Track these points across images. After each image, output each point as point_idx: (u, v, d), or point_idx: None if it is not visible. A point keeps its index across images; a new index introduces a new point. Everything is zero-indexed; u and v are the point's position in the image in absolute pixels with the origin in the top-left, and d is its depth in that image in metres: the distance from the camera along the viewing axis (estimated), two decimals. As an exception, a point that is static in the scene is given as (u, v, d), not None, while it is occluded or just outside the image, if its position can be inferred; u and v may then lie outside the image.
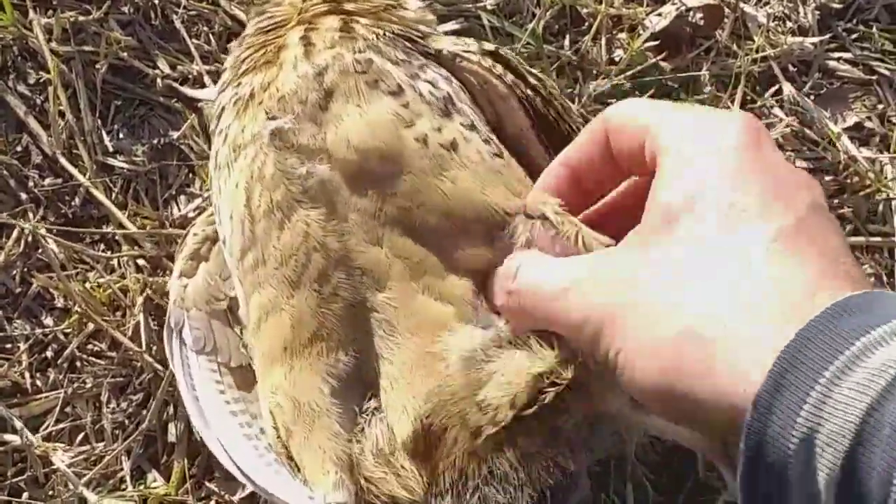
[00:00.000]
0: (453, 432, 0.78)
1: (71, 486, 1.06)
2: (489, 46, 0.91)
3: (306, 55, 0.85)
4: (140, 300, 1.10)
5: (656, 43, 1.23)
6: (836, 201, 1.22)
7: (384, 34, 0.88)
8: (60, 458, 1.06)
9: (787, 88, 1.26)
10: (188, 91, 1.16)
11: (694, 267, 0.62)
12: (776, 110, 1.26)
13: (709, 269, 0.61)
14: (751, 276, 0.59)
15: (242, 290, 0.86)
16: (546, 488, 0.77)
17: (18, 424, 1.07)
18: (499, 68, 0.89)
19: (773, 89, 1.27)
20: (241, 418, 0.90)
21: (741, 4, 1.28)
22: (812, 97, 1.27)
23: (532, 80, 0.91)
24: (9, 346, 1.12)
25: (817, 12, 1.31)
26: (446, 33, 0.98)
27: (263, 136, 0.82)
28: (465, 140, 0.82)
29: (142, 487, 1.07)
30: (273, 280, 0.81)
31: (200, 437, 1.03)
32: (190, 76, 1.21)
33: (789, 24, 1.31)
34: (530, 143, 0.90)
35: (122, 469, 1.08)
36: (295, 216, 0.80)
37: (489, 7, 1.24)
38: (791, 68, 1.29)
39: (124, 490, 1.07)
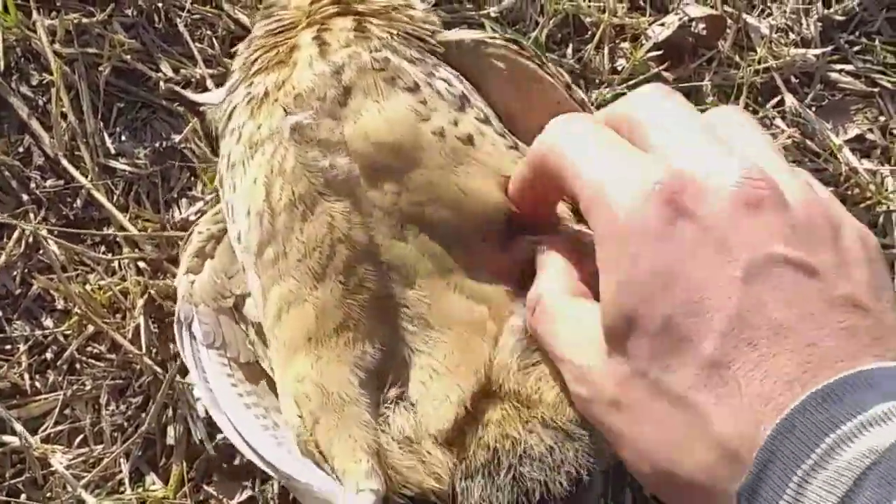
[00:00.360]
0: (494, 414, 0.79)
1: (69, 489, 1.05)
2: (508, 36, 0.94)
3: (321, 54, 0.86)
4: (140, 303, 1.10)
5: (659, 53, 1.24)
6: (836, 212, 1.23)
7: (397, 34, 0.89)
8: (59, 460, 1.06)
9: (790, 100, 1.26)
10: (191, 95, 1.16)
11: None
12: (778, 121, 1.26)
13: None
14: None
15: (260, 283, 0.86)
16: (583, 470, 0.77)
17: (18, 426, 1.06)
18: (527, 52, 0.92)
19: (774, 100, 1.27)
20: (254, 410, 0.91)
21: (744, 15, 1.29)
22: (813, 109, 1.27)
23: (551, 68, 0.94)
24: (8, 347, 1.12)
25: (819, 24, 1.31)
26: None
27: (283, 131, 0.83)
28: (481, 133, 0.83)
29: (140, 490, 1.07)
30: (296, 272, 0.81)
31: (200, 440, 1.04)
32: (193, 80, 1.21)
33: (792, 36, 1.31)
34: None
35: (120, 471, 1.08)
36: (318, 208, 0.81)
37: (493, 14, 1.24)
38: (793, 79, 1.29)
39: (123, 493, 1.07)
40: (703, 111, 1.19)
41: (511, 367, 0.78)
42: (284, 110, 0.84)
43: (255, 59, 0.93)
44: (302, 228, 0.81)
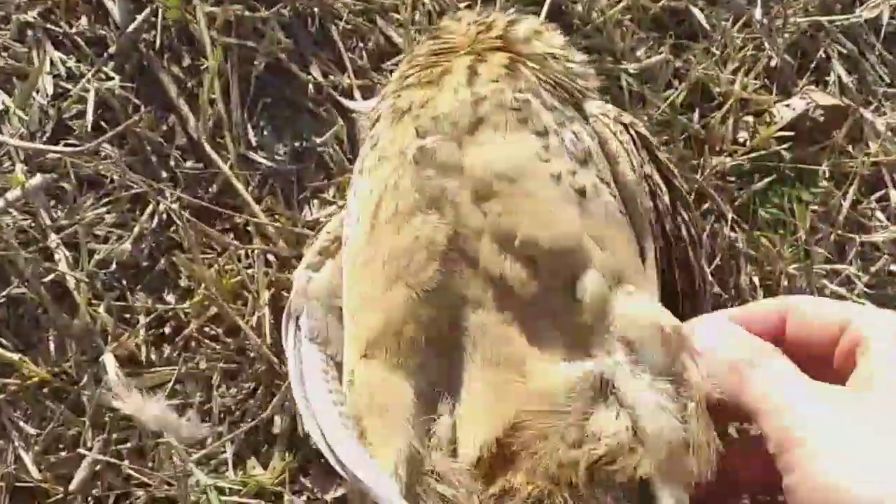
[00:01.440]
0: (528, 461, 0.78)
1: (177, 461, 1.07)
2: (627, 118, 0.94)
3: (469, 83, 0.89)
4: (266, 295, 1.12)
5: (789, 133, 1.29)
6: (925, 311, 1.28)
7: (546, 80, 0.92)
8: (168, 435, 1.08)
9: (895, 196, 1.31)
10: (346, 101, 1.19)
11: None
12: (878, 213, 1.31)
13: None
14: None
15: (347, 284, 0.89)
16: None
17: (135, 395, 1.08)
18: (625, 137, 0.92)
19: (879, 194, 1.32)
20: (340, 408, 0.92)
21: (861, 109, 1.34)
22: (913, 207, 1.33)
23: (661, 156, 0.94)
24: (128, 316, 1.14)
25: (929, 128, 1.37)
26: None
27: (408, 153, 0.85)
28: (596, 190, 0.84)
29: (241, 474, 1.09)
30: (378, 276, 0.83)
31: (304, 431, 1.06)
32: (340, 87, 1.24)
33: (902, 136, 1.36)
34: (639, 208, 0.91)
35: (224, 452, 1.10)
36: (413, 221, 0.83)
37: (631, 71, 1.28)
38: (896, 176, 1.35)
39: (224, 473, 1.09)
40: (814, 195, 1.27)
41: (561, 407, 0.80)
42: (416, 131, 0.87)
43: (411, 75, 0.96)
44: (394, 238, 0.84)
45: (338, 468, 0.82)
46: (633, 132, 0.92)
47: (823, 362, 0.76)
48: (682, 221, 0.93)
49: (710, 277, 0.95)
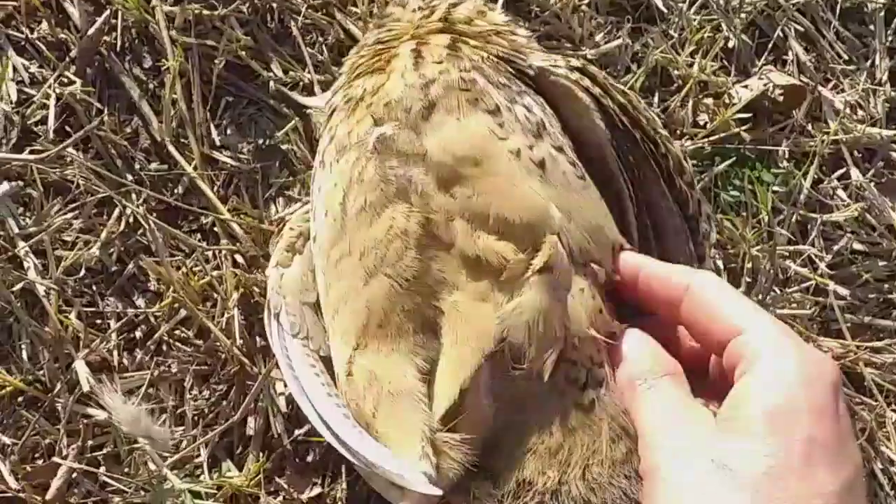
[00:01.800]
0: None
1: (152, 467, 1.08)
2: (576, 62, 0.95)
3: (415, 66, 0.91)
4: (235, 295, 1.13)
5: (746, 115, 1.30)
6: (886, 286, 1.30)
7: (488, 57, 0.93)
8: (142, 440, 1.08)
9: (855, 174, 1.33)
10: (298, 97, 1.19)
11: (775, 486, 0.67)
12: (840, 192, 1.33)
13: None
14: None
15: (324, 280, 0.90)
16: None
17: (108, 400, 1.08)
18: (585, 81, 0.93)
19: (839, 172, 1.34)
20: (335, 400, 0.92)
21: (819, 88, 1.35)
22: (873, 184, 1.34)
23: (619, 97, 0.95)
24: (99, 321, 1.15)
25: (887, 104, 1.38)
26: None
27: (368, 142, 0.87)
28: (553, 160, 0.86)
29: (216, 476, 1.10)
30: (357, 269, 0.85)
31: (277, 432, 1.07)
32: (301, 83, 1.24)
33: (860, 113, 1.37)
34: (608, 158, 0.94)
35: (198, 456, 1.11)
36: (385, 213, 0.84)
37: (590, 56, 1.29)
38: (855, 154, 1.36)
39: (200, 476, 1.10)
40: (775, 176, 1.28)
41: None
42: (373, 120, 0.88)
43: (361, 64, 0.98)
44: (367, 231, 0.85)
45: (354, 461, 0.83)
46: (588, 75, 0.94)
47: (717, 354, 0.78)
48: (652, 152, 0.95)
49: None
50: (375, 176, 0.85)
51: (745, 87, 1.33)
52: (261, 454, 1.12)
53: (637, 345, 0.82)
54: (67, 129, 1.20)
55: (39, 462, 1.09)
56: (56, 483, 1.08)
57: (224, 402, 1.13)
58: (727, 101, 1.32)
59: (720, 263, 1.26)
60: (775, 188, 1.31)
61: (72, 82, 1.20)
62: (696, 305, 0.79)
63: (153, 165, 1.20)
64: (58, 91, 1.19)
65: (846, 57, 1.42)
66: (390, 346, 0.83)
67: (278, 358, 0.97)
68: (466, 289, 0.82)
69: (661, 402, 0.76)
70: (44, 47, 1.22)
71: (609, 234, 0.86)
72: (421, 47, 0.93)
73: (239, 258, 1.17)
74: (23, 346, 1.12)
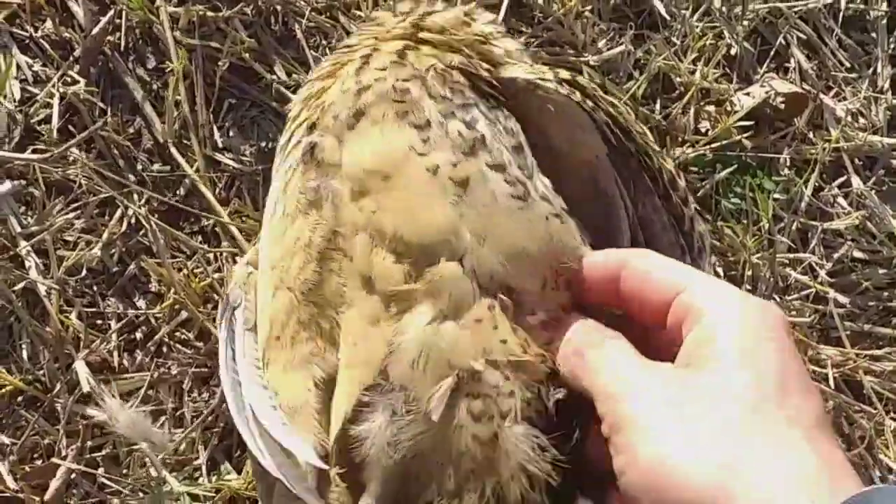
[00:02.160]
0: None
1: (150, 468, 1.08)
2: (565, 74, 0.91)
3: (357, 72, 0.88)
4: (236, 297, 1.13)
5: (749, 123, 1.30)
6: (886, 294, 1.30)
7: (434, 67, 0.88)
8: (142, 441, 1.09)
9: (856, 182, 1.33)
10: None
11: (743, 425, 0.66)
12: (840, 200, 1.33)
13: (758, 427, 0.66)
14: (798, 450, 0.64)
15: (259, 289, 0.90)
16: None
17: (108, 401, 1.08)
18: (577, 95, 0.89)
19: (840, 180, 1.35)
20: (269, 392, 0.91)
21: (821, 96, 1.35)
22: (874, 192, 1.34)
23: (609, 109, 0.91)
24: (100, 322, 1.15)
25: (888, 113, 1.38)
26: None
27: (300, 147, 0.86)
28: (483, 178, 0.81)
29: (215, 479, 1.10)
30: (271, 280, 0.85)
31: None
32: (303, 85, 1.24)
33: (862, 121, 1.38)
34: (602, 171, 0.91)
35: (197, 458, 1.11)
36: (296, 223, 0.84)
37: (592, 62, 1.29)
38: (856, 161, 1.36)
39: (198, 479, 1.10)
40: (777, 183, 1.29)
41: None
42: (309, 125, 0.87)
43: (324, 68, 0.96)
44: (280, 242, 0.85)
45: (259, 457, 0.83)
46: (578, 87, 0.90)
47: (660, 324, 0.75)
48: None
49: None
50: (297, 186, 0.85)
51: (747, 94, 1.33)
52: (260, 457, 1.11)
53: (578, 325, 0.79)
54: (71, 128, 1.20)
55: (38, 462, 1.10)
56: (55, 484, 1.08)
57: (223, 405, 1.13)
58: (729, 108, 1.32)
59: (720, 271, 1.26)
60: (776, 196, 1.31)
61: (75, 82, 1.20)
62: (633, 275, 0.77)
63: (155, 166, 1.20)
64: (61, 90, 1.19)
65: (848, 65, 1.42)
66: (286, 357, 0.82)
67: (220, 346, 0.94)
68: (363, 307, 0.80)
69: (613, 358, 0.74)
70: (48, 46, 1.22)
71: (544, 259, 0.80)
72: (373, 53, 0.91)
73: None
74: (23, 346, 1.12)
